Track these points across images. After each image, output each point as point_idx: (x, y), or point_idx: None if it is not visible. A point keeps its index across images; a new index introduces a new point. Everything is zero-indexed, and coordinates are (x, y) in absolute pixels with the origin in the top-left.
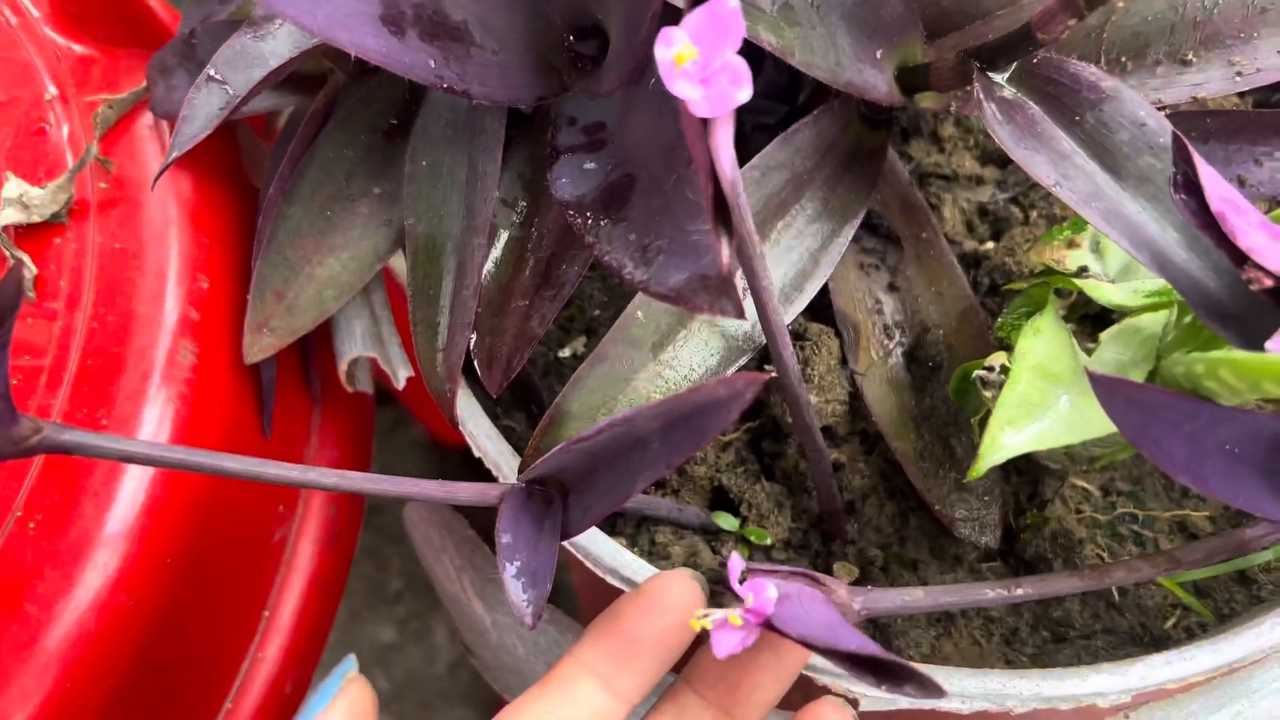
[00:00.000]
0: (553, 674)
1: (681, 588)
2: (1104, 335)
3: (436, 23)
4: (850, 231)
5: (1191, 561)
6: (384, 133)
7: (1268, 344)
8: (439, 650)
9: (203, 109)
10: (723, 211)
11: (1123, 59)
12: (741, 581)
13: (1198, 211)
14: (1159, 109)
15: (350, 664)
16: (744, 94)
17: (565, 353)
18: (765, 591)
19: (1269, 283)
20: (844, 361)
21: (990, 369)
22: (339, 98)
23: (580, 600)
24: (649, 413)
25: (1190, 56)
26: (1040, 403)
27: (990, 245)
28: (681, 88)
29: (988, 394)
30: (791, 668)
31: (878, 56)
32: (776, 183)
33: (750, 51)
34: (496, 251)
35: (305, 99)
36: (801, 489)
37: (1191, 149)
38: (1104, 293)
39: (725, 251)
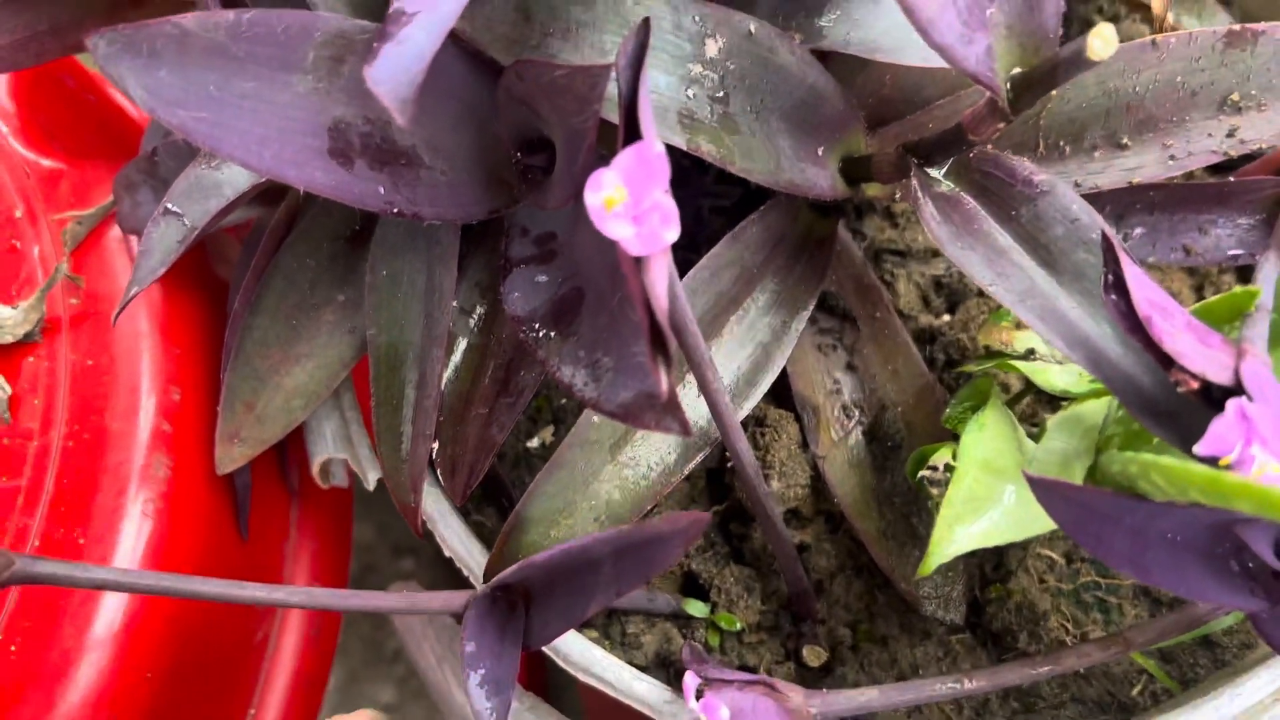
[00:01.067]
0: None
1: None
2: (1050, 423)
3: (385, 150)
4: (802, 321)
5: (1143, 641)
6: (345, 240)
7: (1196, 447)
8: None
9: (160, 243)
10: (660, 340)
11: (1061, 144)
12: (699, 696)
13: (1127, 314)
14: (1097, 194)
15: None
16: (673, 234)
17: (534, 443)
18: (717, 713)
19: (1195, 385)
20: (805, 445)
21: (934, 468)
22: (300, 208)
23: None
24: (602, 540)
25: (1126, 140)
26: (987, 497)
27: (946, 318)
28: (613, 229)
29: (934, 491)
30: None
31: (819, 154)
32: (727, 280)
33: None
34: (456, 359)
35: (268, 209)
36: (770, 570)
37: (1120, 249)
38: (1049, 378)
39: (664, 381)
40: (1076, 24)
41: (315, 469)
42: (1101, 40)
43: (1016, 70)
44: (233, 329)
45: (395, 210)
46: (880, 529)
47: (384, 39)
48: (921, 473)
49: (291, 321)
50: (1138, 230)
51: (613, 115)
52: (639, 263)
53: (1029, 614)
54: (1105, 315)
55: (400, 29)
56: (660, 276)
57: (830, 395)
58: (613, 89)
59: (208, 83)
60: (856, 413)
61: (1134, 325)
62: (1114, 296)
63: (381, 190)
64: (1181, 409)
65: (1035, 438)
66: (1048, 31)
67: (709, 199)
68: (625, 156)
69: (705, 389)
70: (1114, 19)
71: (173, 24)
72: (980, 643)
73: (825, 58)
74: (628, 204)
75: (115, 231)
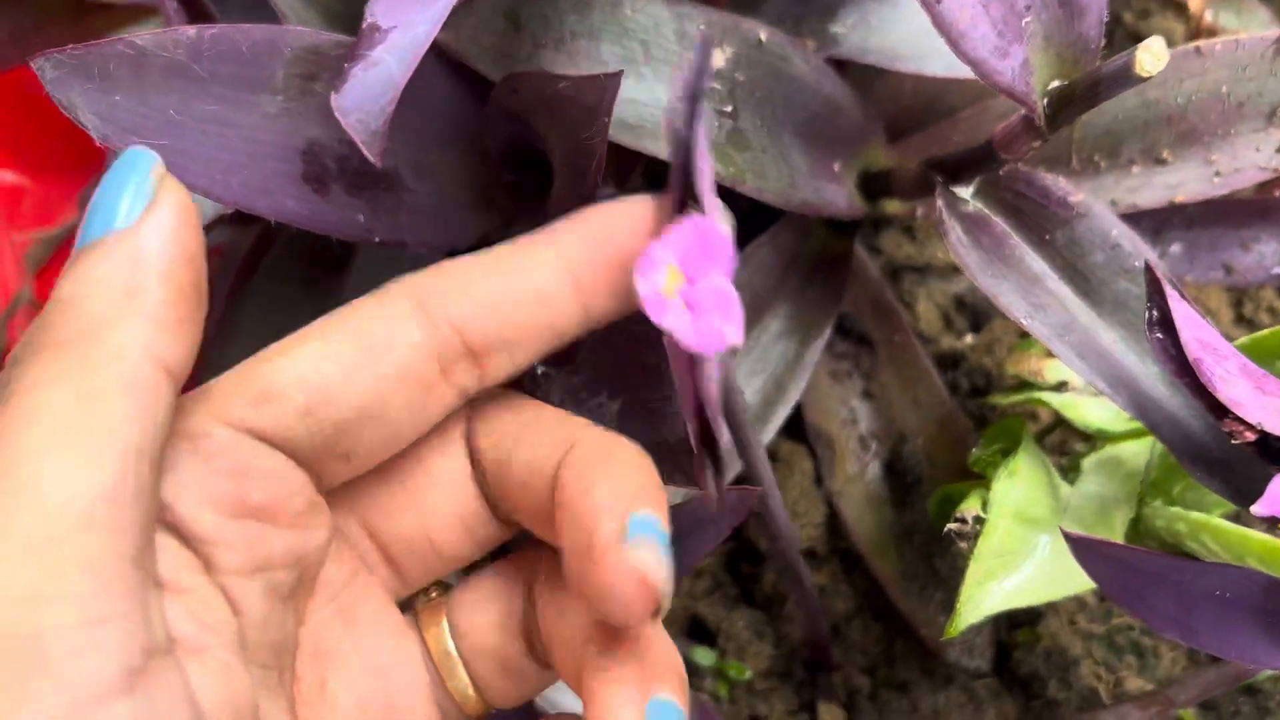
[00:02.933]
0: (522, 246)
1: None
2: (1086, 464)
3: (363, 173)
4: (818, 349)
5: (1186, 700)
6: (325, 265)
7: (1254, 507)
8: None
9: None
10: (712, 445)
11: (1095, 158)
12: None
13: (1174, 356)
14: (1135, 214)
15: (150, 157)
16: (736, 334)
17: None
18: None
19: (1251, 437)
20: (819, 480)
21: (962, 520)
22: (275, 230)
23: None
24: None
25: (1166, 155)
26: (1019, 550)
27: (969, 340)
28: (669, 319)
29: (963, 545)
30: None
31: (836, 170)
32: None
33: None
34: None
35: (241, 230)
36: (782, 614)
37: (1165, 281)
38: (1084, 415)
39: (711, 486)
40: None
41: None
42: (1151, 55)
43: (1055, 84)
44: (205, 360)
45: (377, 239)
46: (900, 570)
47: (355, 60)
48: (949, 526)
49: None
50: (1175, 247)
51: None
52: (692, 359)
53: (1059, 659)
54: (1150, 352)
55: (373, 49)
56: (715, 378)
57: (846, 426)
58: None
59: (167, 106)
60: (874, 444)
61: (1182, 368)
62: (1159, 335)
63: (361, 218)
64: (1236, 459)
65: (1067, 471)
66: (1089, 42)
67: None
68: (682, 232)
69: (745, 456)
70: (1144, 15)
71: (127, 43)
72: (1007, 688)
73: (840, 65)
74: (681, 288)
75: None
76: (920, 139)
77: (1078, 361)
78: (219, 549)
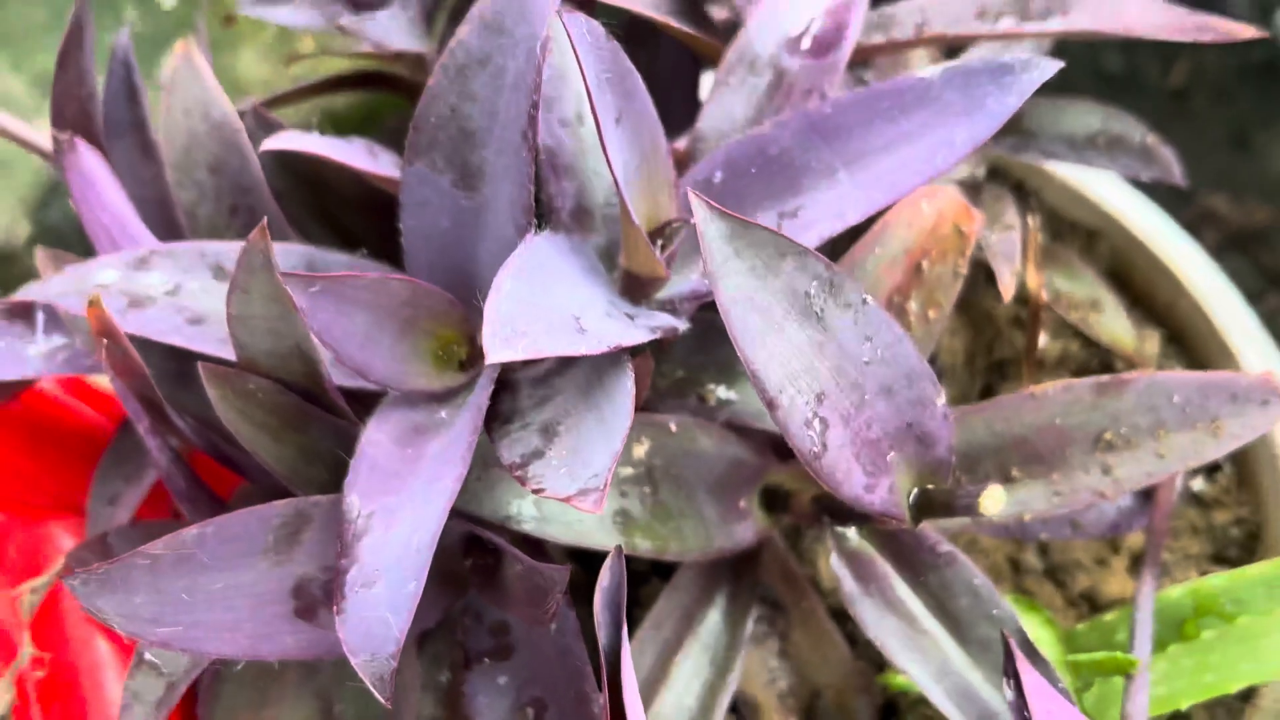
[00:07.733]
0: None
1: None
2: None
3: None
4: (742, 647)
5: None
6: None
7: None
8: None
9: (138, 701)
10: None
11: (957, 474)
12: None
13: None
14: None
15: None
16: None
17: None
18: None
19: None
20: None
21: None
22: None
23: None
24: None
25: (1015, 473)
26: None
27: None
28: None
29: None
30: None
31: (742, 506)
32: (669, 629)
33: None
34: None
35: None
36: None
37: (1020, 655)
38: None
39: None
40: None
41: None
42: (992, 500)
43: (916, 491)
44: (203, 699)
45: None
46: None
47: (343, 567)
48: None
49: (259, 683)
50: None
51: None
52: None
53: None
54: None
55: (359, 544)
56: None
57: (768, 687)
58: None
59: (179, 591)
60: (791, 700)
61: None
62: (1017, 701)
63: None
64: None
65: None
66: (942, 464)
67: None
68: None
69: None
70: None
71: (143, 555)
72: None
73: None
74: None
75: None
76: None
77: (951, 708)
78: None
